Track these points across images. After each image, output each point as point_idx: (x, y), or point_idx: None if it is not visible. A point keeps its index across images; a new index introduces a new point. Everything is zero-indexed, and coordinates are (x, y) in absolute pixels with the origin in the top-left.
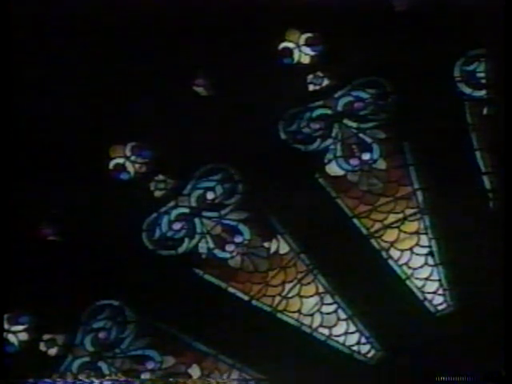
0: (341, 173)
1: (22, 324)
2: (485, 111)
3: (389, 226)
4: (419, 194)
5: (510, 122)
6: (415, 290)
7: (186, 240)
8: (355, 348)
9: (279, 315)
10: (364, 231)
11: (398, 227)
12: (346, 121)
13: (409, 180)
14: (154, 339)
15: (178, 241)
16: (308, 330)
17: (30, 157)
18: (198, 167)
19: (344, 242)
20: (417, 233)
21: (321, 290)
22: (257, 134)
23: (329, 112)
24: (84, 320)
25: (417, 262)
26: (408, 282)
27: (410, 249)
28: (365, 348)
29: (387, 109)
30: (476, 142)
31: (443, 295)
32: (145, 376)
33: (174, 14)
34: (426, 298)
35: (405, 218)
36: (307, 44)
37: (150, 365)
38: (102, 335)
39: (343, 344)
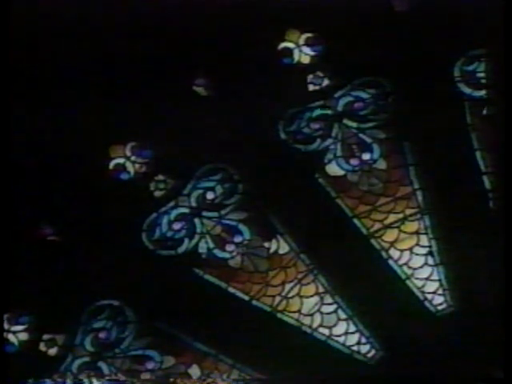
0: (341, 173)
1: (22, 324)
2: (485, 111)
3: (389, 226)
4: (419, 194)
5: (510, 121)
6: (415, 290)
7: (186, 240)
8: (355, 348)
9: (279, 315)
10: (364, 231)
11: (398, 227)
12: (345, 121)
13: (409, 180)
14: (154, 339)
15: (178, 241)
16: (308, 330)
17: (30, 157)
18: (198, 167)
19: (344, 241)
20: (417, 233)
21: (321, 289)
22: (257, 134)
23: (329, 112)
24: (84, 320)
25: (417, 262)
26: (408, 282)
27: (410, 249)
28: (365, 348)
29: (387, 109)
30: (476, 142)
31: (443, 295)
32: (145, 376)
33: (174, 13)
34: (426, 298)
35: (405, 218)
36: (307, 44)
37: (150, 365)
38: (102, 335)
39: (343, 344)
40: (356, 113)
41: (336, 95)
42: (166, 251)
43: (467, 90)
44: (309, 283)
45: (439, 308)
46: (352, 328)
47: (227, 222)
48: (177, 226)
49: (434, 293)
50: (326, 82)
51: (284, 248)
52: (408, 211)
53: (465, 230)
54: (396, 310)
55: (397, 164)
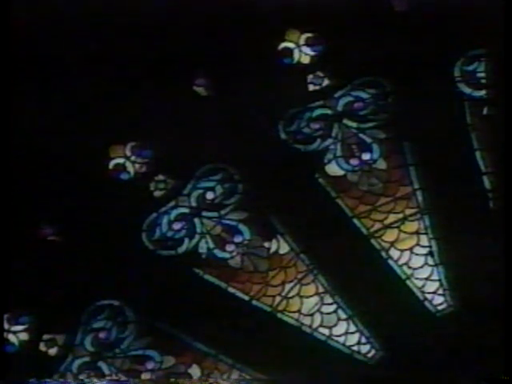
0: (341, 173)
1: (22, 324)
2: (485, 111)
3: (389, 226)
4: (419, 194)
5: (510, 121)
6: (415, 290)
7: (186, 240)
8: (355, 348)
9: (279, 315)
10: (364, 231)
11: (398, 227)
12: (345, 121)
13: (409, 180)
14: (154, 339)
15: (178, 241)
16: (308, 330)
17: (30, 157)
18: (198, 167)
19: (344, 242)
20: (417, 233)
21: (321, 290)
22: (257, 134)
23: (329, 112)
24: (84, 320)
25: (417, 262)
26: (408, 282)
27: (410, 249)
28: (365, 348)
29: (387, 109)
30: (476, 142)
31: (443, 295)
32: (145, 376)
33: (174, 13)
34: (426, 298)
35: (405, 218)
36: (307, 44)
37: (150, 365)
38: (101, 335)
39: (343, 344)
40: (356, 113)
41: (336, 95)
42: (166, 251)
43: (467, 90)
44: (309, 283)
45: (439, 308)
46: (352, 328)
47: (227, 222)
48: (177, 225)
49: (434, 293)
50: (326, 82)
51: (284, 248)
52: (408, 211)
53: (465, 230)
54: (396, 310)
55: (397, 164)
